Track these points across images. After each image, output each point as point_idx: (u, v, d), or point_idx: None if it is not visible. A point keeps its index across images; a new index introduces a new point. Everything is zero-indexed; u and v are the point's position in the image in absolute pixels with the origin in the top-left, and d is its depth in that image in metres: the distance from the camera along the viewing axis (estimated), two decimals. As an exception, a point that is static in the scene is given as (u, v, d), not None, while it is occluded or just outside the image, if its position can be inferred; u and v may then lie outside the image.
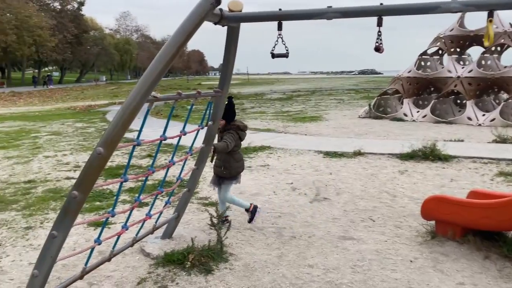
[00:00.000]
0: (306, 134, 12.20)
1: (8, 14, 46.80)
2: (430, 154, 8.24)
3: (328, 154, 9.08)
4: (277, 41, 2.79)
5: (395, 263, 4.03)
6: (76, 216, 2.54)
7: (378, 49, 2.85)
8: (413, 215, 5.37)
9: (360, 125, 14.64)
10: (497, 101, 17.22)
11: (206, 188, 6.63)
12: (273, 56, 2.81)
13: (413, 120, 15.61)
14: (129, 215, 3.45)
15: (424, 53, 17.24)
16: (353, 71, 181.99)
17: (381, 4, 2.55)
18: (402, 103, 17.17)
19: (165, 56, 2.49)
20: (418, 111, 16.06)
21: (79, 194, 2.46)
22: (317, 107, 21.97)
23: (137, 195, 3.50)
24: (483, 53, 15.79)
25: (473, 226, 4.13)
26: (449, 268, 3.88)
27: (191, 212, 5.47)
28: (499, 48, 16.27)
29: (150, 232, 3.96)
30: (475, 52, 17.94)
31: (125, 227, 3.29)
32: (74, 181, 7.15)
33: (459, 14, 16.60)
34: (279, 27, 2.78)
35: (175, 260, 3.93)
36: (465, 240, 4.27)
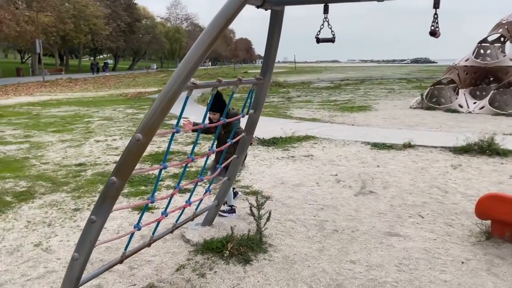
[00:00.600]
0: (353, 125, 11.85)
1: (66, 4, 49.03)
2: (487, 148, 7.72)
3: (376, 145, 8.75)
4: (322, 25, 2.64)
5: (445, 263, 3.79)
6: (115, 202, 2.55)
7: (433, 33, 2.62)
8: (465, 213, 5.04)
9: (411, 116, 14.04)
10: None
11: (247, 176, 6.59)
12: (318, 41, 2.66)
13: (469, 112, 14.73)
14: (169, 201, 3.45)
15: (484, 40, 16.16)
16: (405, 60, 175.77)
17: (439, -17, 2.32)
18: (457, 94, 16.28)
19: (204, 42, 2.41)
20: (474, 102, 15.15)
21: (118, 180, 2.45)
22: (366, 96, 21.33)
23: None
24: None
25: (535, 228, 3.79)
26: (505, 273, 3.59)
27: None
28: None
29: (190, 219, 3.95)
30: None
31: (164, 214, 3.29)
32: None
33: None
34: (325, 10, 2.62)
35: (214, 248, 3.91)
36: (524, 243, 3.94)
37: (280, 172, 6.89)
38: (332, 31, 2.65)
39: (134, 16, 64.08)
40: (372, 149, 8.56)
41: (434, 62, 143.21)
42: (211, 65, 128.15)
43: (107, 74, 53.22)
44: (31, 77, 43.70)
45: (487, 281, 3.46)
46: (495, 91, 14.99)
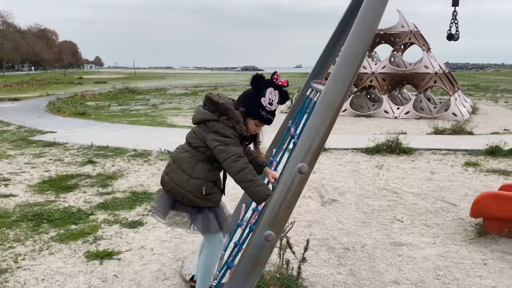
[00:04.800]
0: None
1: None
2: (396, 148, 8.37)
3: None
4: (455, 20, 2.24)
5: (473, 268, 3.77)
6: (264, 266, 1.69)
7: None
8: (430, 212, 5.25)
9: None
10: (402, 96, 18.79)
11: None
12: (452, 37, 2.25)
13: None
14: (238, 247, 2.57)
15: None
16: (236, 67, 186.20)
17: None
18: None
19: (370, 24, 1.75)
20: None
21: (276, 234, 1.62)
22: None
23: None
24: (393, 50, 16.97)
25: (538, 221, 4.08)
26: (528, 268, 3.75)
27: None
28: (403, 47, 17.66)
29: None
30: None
31: (232, 265, 2.42)
32: (14, 198, 5.59)
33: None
34: (455, 3, 2.23)
35: (254, 297, 3.11)
36: (520, 236, 4.21)
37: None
38: (457, 28, 2.28)
39: None
40: (290, 155, 8.45)
41: (261, 69, 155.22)
42: (34, 70, 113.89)
43: None
44: None
45: (526, 280, 3.55)
46: (354, 95, 16.76)
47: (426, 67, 15.94)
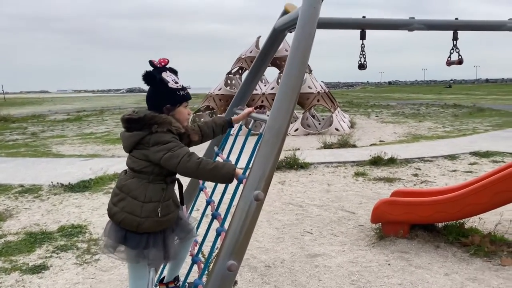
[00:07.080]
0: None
1: None
2: (294, 163, 8.88)
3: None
4: (363, 51, 2.55)
5: (380, 269, 4.18)
6: (228, 298, 1.70)
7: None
8: (334, 222, 5.68)
9: (184, 142, 14.48)
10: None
11: (98, 232, 5.36)
12: (363, 67, 2.55)
13: (231, 134, 16.43)
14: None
15: (230, 72, 18.50)
16: (120, 89, 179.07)
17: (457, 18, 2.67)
18: (214, 119, 17.92)
19: (302, 58, 1.93)
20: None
21: (238, 263, 1.66)
22: (120, 127, 20.62)
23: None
24: (280, 73, 18.05)
25: (426, 221, 4.68)
26: (423, 263, 4.27)
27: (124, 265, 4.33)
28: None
29: None
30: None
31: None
32: None
33: (255, 37, 18.56)
34: (362, 36, 2.55)
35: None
36: (412, 236, 4.79)
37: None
38: (364, 59, 2.59)
39: None
40: (194, 178, 8.41)
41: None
42: None
43: None
44: None
45: (423, 275, 4.03)
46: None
47: (309, 87, 17.26)
